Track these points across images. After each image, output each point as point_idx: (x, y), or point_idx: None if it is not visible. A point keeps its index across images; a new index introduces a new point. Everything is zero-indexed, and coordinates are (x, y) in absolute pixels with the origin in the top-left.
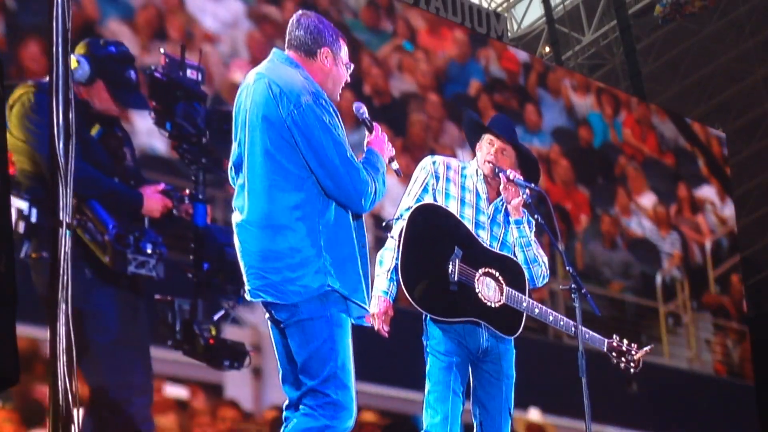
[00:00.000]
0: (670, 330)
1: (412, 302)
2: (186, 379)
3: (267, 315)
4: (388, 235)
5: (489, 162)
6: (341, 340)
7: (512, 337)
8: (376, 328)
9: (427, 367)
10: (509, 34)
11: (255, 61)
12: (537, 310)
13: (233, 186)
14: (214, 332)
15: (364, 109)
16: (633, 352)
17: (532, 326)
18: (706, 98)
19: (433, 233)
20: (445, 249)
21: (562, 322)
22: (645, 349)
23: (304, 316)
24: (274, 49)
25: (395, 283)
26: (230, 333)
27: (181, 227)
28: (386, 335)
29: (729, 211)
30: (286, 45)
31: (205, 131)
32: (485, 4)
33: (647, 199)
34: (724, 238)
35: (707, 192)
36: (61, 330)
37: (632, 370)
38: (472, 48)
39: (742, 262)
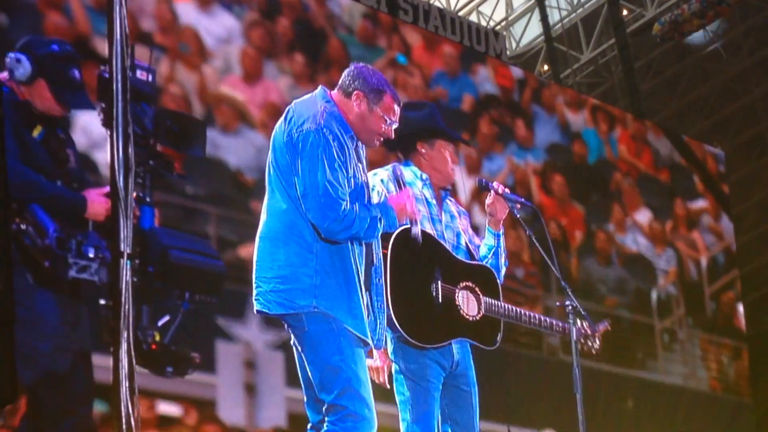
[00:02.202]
0: (665, 346)
1: (404, 335)
2: (178, 396)
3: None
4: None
5: (453, 170)
6: (350, 351)
7: (493, 348)
8: (377, 381)
9: (406, 393)
10: (508, 52)
11: (248, 77)
12: (513, 314)
13: None
14: (158, 338)
15: (400, 170)
16: (595, 334)
17: (527, 342)
18: (704, 116)
19: (415, 259)
20: (428, 272)
21: (535, 320)
22: (600, 327)
23: (311, 330)
24: (320, 86)
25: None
26: (223, 349)
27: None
28: (388, 387)
29: (725, 227)
30: None
31: (154, 133)
32: (484, 23)
33: (642, 216)
34: (720, 255)
35: (702, 209)
36: (124, 357)
37: (594, 351)
38: (467, 64)
39: (741, 280)
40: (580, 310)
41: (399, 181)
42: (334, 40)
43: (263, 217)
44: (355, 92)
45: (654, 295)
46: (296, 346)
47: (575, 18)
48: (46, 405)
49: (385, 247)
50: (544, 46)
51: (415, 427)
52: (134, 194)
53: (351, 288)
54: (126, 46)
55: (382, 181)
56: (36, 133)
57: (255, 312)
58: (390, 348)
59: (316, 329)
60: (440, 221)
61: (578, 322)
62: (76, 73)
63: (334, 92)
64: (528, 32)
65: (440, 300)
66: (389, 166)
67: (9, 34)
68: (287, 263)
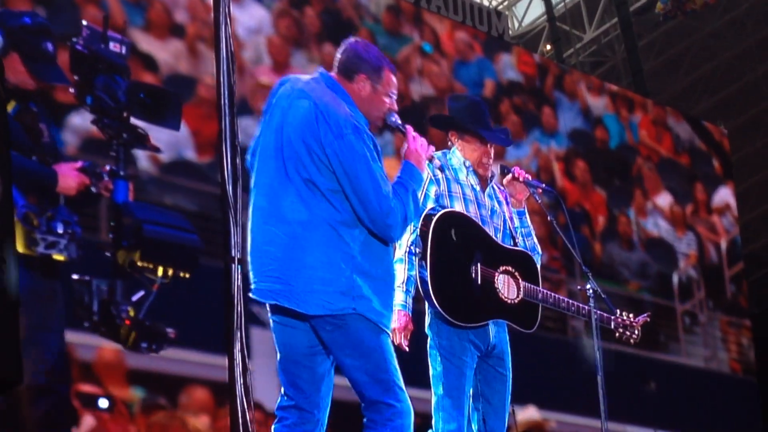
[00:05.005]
0: (686, 329)
1: (443, 313)
2: (211, 380)
3: (274, 316)
4: (413, 249)
5: (488, 164)
6: (388, 345)
7: (531, 331)
8: (396, 342)
9: (438, 368)
10: (510, 32)
11: (277, 66)
12: (551, 299)
13: (250, 170)
14: (132, 313)
15: (395, 117)
16: (634, 324)
17: (552, 326)
18: (708, 95)
19: (457, 241)
20: (468, 254)
21: (573, 308)
22: (642, 317)
23: (352, 327)
24: (320, 69)
25: (410, 295)
26: (257, 335)
27: (101, 205)
28: (407, 350)
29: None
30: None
31: (127, 105)
32: (486, 3)
33: (663, 200)
34: (739, 237)
35: (722, 192)
36: (238, 356)
37: (632, 341)
38: (490, 52)
39: (744, 259)
40: (601, 293)
41: (443, 166)
42: (362, 30)
43: (270, 204)
44: (358, 75)
45: (675, 279)
46: (327, 343)
47: None
48: (26, 383)
49: (426, 226)
50: (546, 25)
51: (445, 401)
52: (107, 168)
53: (385, 282)
54: (232, 63)
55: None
56: (10, 108)
57: (270, 306)
58: (427, 321)
59: (357, 327)
60: (485, 206)
61: (620, 312)
62: (50, 45)
63: (335, 75)
64: (530, 11)
65: (479, 282)
66: (438, 153)
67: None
68: (326, 263)
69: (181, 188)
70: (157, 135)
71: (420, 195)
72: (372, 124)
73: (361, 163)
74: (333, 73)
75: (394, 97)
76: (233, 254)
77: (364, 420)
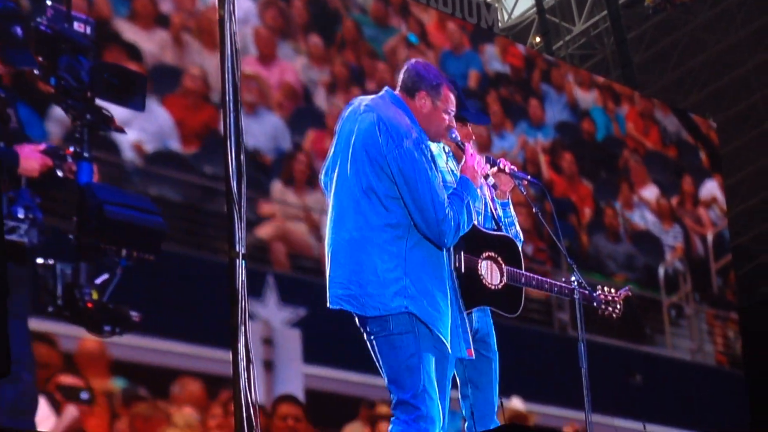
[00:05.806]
0: (672, 322)
1: None
2: (198, 372)
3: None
4: None
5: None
6: (427, 354)
7: (515, 315)
8: None
9: None
10: (500, 24)
11: (263, 57)
12: (534, 282)
13: (325, 189)
14: (95, 296)
15: (456, 134)
16: (616, 299)
17: (538, 318)
18: (697, 88)
19: None
20: None
21: (556, 288)
22: (622, 293)
23: (395, 330)
24: (386, 88)
25: None
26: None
27: (65, 187)
28: None
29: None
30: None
31: (91, 86)
32: None
33: (650, 192)
34: (726, 230)
35: (709, 184)
36: (242, 350)
37: (615, 315)
38: (477, 43)
39: (734, 251)
40: (586, 285)
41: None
42: (348, 21)
43: (337, 217)
44: (419, 93)
45: (661, 271)
46: (371, 344)
47: None
48: None
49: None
50: (536, 17)
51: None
52: (71, 149)
53: (440, 292)
54: (237, 60)
55: None
56: None
57: (333, 308)
58: None
59: (399, 330)
60: None
61: (602, 287)
62: (19, 30)
63: (398, 93)
64: (520, 4)
65: (463, 271)
66: None
67: (32, 18)
68: (381, 266)
69: (166, 179)
70: (143, 125)
71: None
72: (431, 139)
73: (420, 171)
74: (397, 91)
75: (453, 113)
76: (237, 249)
77: (392, 418)
